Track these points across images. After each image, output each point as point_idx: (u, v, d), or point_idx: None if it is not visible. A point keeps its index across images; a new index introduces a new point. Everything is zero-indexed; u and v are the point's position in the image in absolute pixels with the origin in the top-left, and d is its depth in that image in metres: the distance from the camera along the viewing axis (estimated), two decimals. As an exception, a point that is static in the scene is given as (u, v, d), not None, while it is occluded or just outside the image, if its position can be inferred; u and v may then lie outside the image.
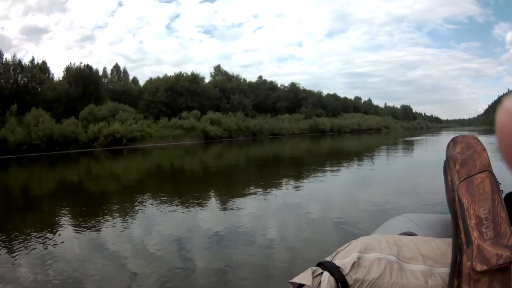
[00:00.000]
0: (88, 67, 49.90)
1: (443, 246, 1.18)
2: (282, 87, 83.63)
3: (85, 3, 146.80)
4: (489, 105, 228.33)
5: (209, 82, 67.19)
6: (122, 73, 61.05)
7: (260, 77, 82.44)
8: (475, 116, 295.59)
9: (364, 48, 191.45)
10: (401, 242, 1.19)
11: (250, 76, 77.50)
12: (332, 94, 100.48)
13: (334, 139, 55.58)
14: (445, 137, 43.18)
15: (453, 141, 1.23)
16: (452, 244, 1.13)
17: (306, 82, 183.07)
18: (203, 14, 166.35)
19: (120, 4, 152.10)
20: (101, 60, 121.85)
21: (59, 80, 49.00)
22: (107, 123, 39.61)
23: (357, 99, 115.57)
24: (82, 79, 47.70)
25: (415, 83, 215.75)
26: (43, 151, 34.98)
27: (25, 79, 47.48)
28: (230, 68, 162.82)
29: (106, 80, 57.48)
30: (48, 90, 46.13)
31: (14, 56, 48.39)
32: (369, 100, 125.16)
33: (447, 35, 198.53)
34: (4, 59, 46.67)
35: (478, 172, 1.12)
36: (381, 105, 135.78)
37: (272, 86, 79.80)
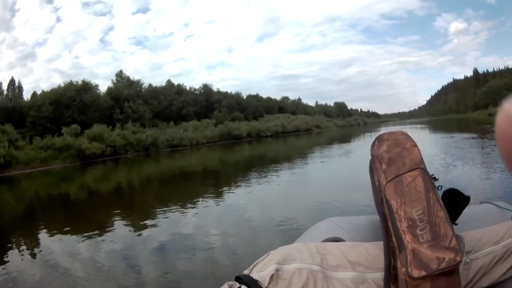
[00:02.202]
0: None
1: (374, 251, 1.12)
2: (192, 90, 78.51)
3: (27, 19, 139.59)
4: (432, 96, 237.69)
5: (106, 91, 62.61)
6: (16, 88, 57.85)
7: (169, 81, 77.64)
8: (416, 108, 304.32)
9: (295, 50, 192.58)
10: (324, 250, 1.13)
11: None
12: (254, 95, 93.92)
13: (247, 146, 50.04)
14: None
15: (378, 139, 1.19)
16: (383, 248, 1.08)
17: (237, 88, 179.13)
18: (135, 26, 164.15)
19: (58, 20, 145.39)
20: (40, 78, 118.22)
21: None
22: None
23: (284, 99, 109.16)
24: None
25: (349, 80, 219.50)
26: None
27: None
28: (161, 78, 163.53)
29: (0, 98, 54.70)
30: None
31: None
32: (299, 99, 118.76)
33: (383, 31, 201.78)
34: None
35: (408, 170, 1.07)
36: (312, 104, 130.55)
37: (179, 90, 74.52)
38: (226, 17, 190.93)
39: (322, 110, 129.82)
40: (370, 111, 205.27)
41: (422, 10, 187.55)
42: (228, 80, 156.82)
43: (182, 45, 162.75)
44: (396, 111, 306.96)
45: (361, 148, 26.11)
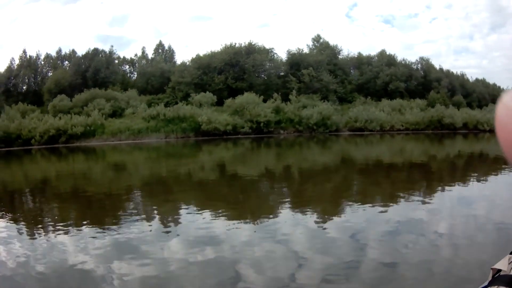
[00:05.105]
0: (98, 52, 42.44)
1: None
2: (407, 63, 60.04)
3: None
4: None
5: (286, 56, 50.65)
6: (167, 51, 50.25)
7: (382, 50, 60.32)
8: None
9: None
10: None
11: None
12: (480, 79, 72.19)
13: (460, 140, 35.30)
14: None
15: None
16: None
17: (479, 77, 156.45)
18: (379, 3, 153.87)
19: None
20: (275, 46, 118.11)
21: (56, 70, 42.93)
22: (51, 116, 30.89)
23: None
24: (78, 65, 40.90)
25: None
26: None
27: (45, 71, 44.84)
28: (413, 59, 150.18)
29: (144, 62, 48.61)
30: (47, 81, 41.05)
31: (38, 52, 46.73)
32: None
33: None
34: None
35: None
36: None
37: (389, 61, 57.31)
38: (462, 3, 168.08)
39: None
40: None
41: None
42: (472, 67, 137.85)
43: (428, 27, 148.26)
44: None
45: None
